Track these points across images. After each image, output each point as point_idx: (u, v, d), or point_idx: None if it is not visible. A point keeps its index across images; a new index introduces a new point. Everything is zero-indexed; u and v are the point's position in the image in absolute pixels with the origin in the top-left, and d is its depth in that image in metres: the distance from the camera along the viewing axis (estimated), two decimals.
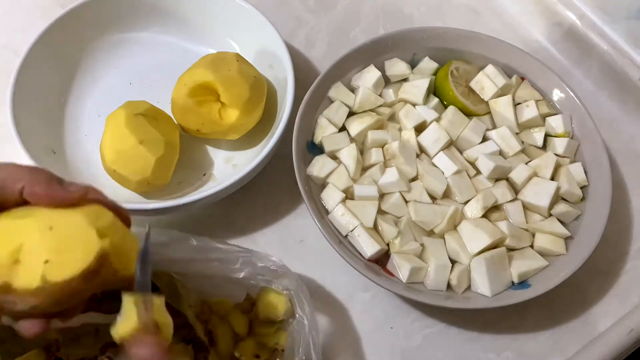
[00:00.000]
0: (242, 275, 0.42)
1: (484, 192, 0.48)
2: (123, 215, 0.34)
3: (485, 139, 0.51)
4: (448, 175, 0.49)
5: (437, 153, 0.50)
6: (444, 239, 0.47)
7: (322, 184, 0.49)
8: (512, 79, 0.54)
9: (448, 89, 0.52)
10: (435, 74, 0.54)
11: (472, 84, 0.54)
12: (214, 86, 0.50)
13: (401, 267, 0.45)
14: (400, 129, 0.52)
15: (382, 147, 0.50)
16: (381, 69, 0.54)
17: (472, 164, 0.50)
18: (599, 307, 0.49)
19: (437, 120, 0.51)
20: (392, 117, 0.53)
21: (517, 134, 0.52)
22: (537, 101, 0.52)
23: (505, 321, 0.48)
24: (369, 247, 0.45)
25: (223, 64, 0.50)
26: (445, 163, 0.49)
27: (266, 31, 0.55)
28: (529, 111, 0.52)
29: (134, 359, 0.30)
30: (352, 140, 0.51)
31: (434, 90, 0.54)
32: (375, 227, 0.47)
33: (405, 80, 0.54)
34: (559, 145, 0.51)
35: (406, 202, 0.48)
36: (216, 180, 0.53)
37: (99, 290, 0.32)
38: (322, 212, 0.47)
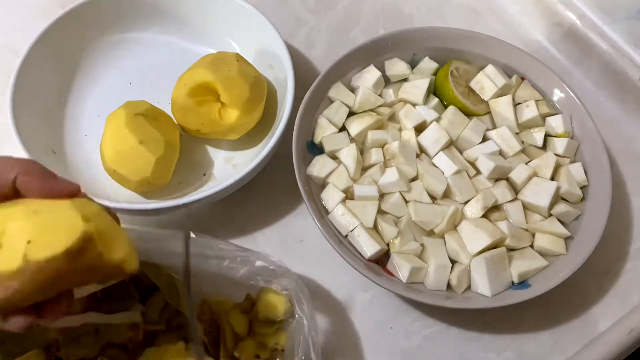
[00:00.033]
0: (241, 275, 0.42)
1: (484, 192, 0.48)
2: (111, 214, 0.34)
3: (485, 139, 0.51)
4: (448, 175, 0.49)
5: (437, 153, 0.50)
6: (444, 239, 0.47)
7: (322, 184, 0.49)
8: (512, 79, 0.54)
9: (448, 89, 0.52)
10: (435, 74, 0.54)
11: (472, 84, 0.54)
12: (214, 86, 0.50)
13: (401, 267, 0.45)
14: (400, 129, 0.52)
15: (382, 147, 0.50)
16: (381, 69, 0.54)
17: (472, 164, 0.50)
18: (599, 307, 0.49)
19: (437, 120, 0.51)
20: (392, 117, 0.53)
21: (517, 134, 0.52)
22: (537, 101, 0.52)
23: (505, 321, 0.48)
24: (369, 247, 0.45)
25: (223, 64, 0.50)
26: (445, 163, 0.49)
27: (266, 31, 0.55)
28: (529, 111, 0.52)
29: None
30: (352, 140, 0.51)
31: (434, 90, 0.54)
32: (375, 227, 0.47)
33: (405, 80, 0.54)
34: (559, 145, 0.51)
35: (406, 202, 0.48)
36: (216, 180, 0.53)
37: (84, 277, 0.31)
38: (322, 212, 0.47)
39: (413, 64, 0.55)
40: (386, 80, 0.54)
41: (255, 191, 0.53)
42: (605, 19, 0.58)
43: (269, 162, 0.50)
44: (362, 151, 0.51)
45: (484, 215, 0.48)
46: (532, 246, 0.47)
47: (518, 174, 0.49)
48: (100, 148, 0.49)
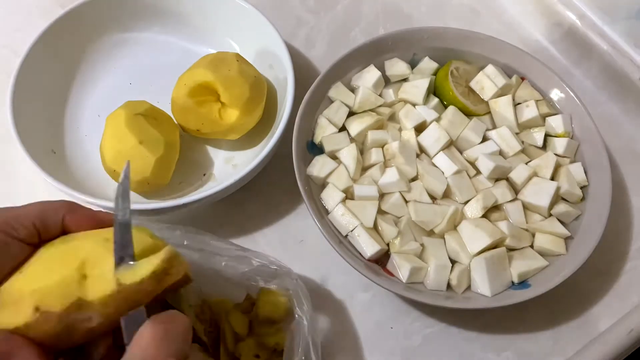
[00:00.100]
0: (241, 275, 0.42)
1: (484, 192, 0.48)
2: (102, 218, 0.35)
3: (485, 139, 0.51)
4: (448, 175, 0.49)
5: (437, 153, 0.50)
6: (444, 239, 0.47)
7: (322, 184, 0.49)
8: (512, 79, 0.54)
9: (448, 89, 0.52)
10: (435, 74, 0.54)
11: (472, 84, 0.54)
12: (214, 86, 0.50)
13: (401, 267, 0.45)
14: (400, 129, 0.52)
15: (382, 147, 0.50)
16: (381, 69, 0.54)
17: (472, 164, 0.50)
18: (599, 307, 0.49)
19: (437, 120, 0.51)
20: (392, 117, 0.53)
21: (517, 134, 0.52)
22: (537, 101, 0.52)
23: (505, 321, 0.48)
24: (369, 247, 0.45)
25: (223, 64, 0.50)
26: (445, 163, 0.49)
27: (266, 31, 0.55)
28: (529, 111, 0.52)
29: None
30: (352, 140, 0.51)
31: (434, 90, 0.54)
32: (375, 227, 0.47)
33: (405, 80, 0.54)
34: (559, 145, 0.51)
35: (406, 202, 0.48)
36: (216, 180, 0.53)
37: (161, 294, 0.32)
38: (322, 212, 0.47)
39: (413, 64, 0.55)
40: (386, 80, 0.54)
41: (255, 191, 0.53)
42: (605, 19, 0.58)
43: (269, 162, 0.50)
44: (362, 151, 0.51)
45: (484, 215, 0.48)
46: (532, 246, 0.47)
47: (518, 174, 0.49)
48: (100, 148, 0.49)
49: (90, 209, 0.35)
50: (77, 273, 0.30)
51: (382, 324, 0.48)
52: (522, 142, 0.51)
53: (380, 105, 0.53)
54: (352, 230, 0.46)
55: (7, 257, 0.31)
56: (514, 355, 0.47)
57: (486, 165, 0.49)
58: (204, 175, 0.53)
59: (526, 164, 0.50)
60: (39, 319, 0.29)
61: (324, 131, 0.50)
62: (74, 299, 0.29)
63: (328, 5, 0.66)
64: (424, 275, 0.45)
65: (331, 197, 0.48)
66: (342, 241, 0.46)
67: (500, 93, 0.53)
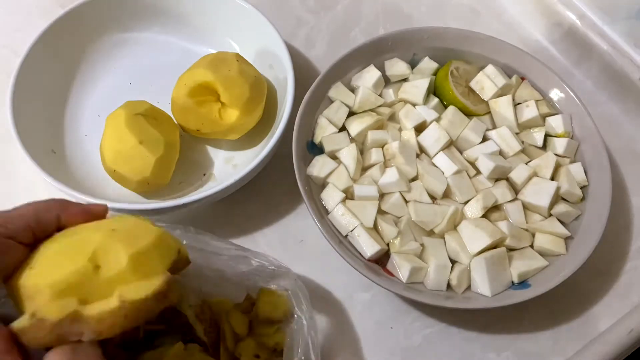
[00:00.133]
0: (241, 275, 0.42)
1: (484, 192, 0.48)
2: (96, 210, 0.35)
3: (485, 139, 0.51)
4: (448, 175, 0.49)
5: (437, 153, 0.50)
6: (444, 239, 0.47)
7: (322, 184, 0.49)
8: (512, 79, 0.54)
9: (448, 89, 0.52)
10: (435, 74, 0.54)
11: (472, 84, 0.54)
12: (214, 86, 0.50)
13: (401, 267, 0.45)
14: (400, 129, 0.52)
15: (382, 147, 0.50)
16: (381, 69, 0.54)
17: (472, 164, 0.50)
18: (599, 307, 0.49)
19: (437, 120, 0.51)
20: (392, 117, 0.53)
21: (517, 134, 0.52)
22: (537, 101, 0.52)
23: (505, 321, 0.48)
24: (369, 247, 0.45)
25: (223, 64, 0.50)
26: (445, 163, 0.49)
27: (266, 31, 0.55)
28: (529, 111, 0.52)
29: None
30: (352, 140, 0.51)
31: (434, 90, 0.54)
32: (375, 227, 0.47)
33: (405, 80, 0.54)
34: (559, 145, 0.51)
35: (406, 202, 0.48)
36: (216, 180, 0.53)
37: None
38: (322, 212, 0.47)
39: (413, 64, 0.55)
40: (386, 80, 0.54)
41: (255, 191, 0.53)
42: (605, 19, 0.58)
43: (269, 162, 0.50)
44: (362, 151, 0.51)
45: (484, 215, 0.48)
46: (532, 246, 0.47)
47: (518, 174, 0.49)
48: (100, 148, 0.49)
49: (81, 203, 0.35)
50: (90, 262, 0.30)
51: (382, 324, 0.48)
52: (522, 142, 0.51)
53: (380, 105, 0.53)
54: (352, 230, 0.46)
55: (7, 258, 0.31)
56: (514, 355, 0.47)
57: (486, 165, 0.49)
58: (204, 175, 0.53)
59: (526, 164, 0.50)
60: (33, 325, 0.29)
61: (324, 131, 0.50)
62: (71, 310, 0.29)
63: (328, 5, 0.66)
64: (424, 275, 0.45)
65: (331, 197, 0.48)
66: (342, 241, 0.46)
67: (500, 93, 0.53)
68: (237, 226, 0.52)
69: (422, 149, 0.51)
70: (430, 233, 0.47)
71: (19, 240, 0.31)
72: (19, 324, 0.29)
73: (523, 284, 0.45)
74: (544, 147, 0.52)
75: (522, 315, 0.48)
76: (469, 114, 0.52)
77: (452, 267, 0.46)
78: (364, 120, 0.51)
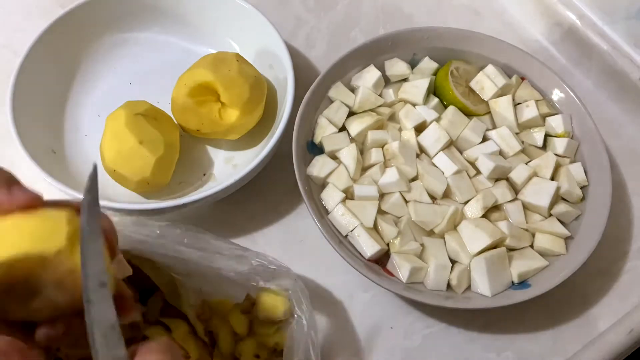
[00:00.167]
0: (241, 275, 0.42)
1: (484, 192, 0.48)
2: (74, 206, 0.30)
3: (485, 139, 0.51)
4: (448, 175, 0.49)
5: (437, 153, 0.50)
6: (444, 239, 0.47)
7: (322, 184, 0.49)
8: (512, 79, 0.54)
9: (448, 89, 0.52)
10: (435, 74, 0.54)
11: (472, 84, 0.54)
12: (214, 86, 0.50)
13: (401, 267, 0.45)
14: (400, 129, 0.52)
15: (382, 147, 0.50)
16: (381, 69, 0.54)
17: (472, 164, 0.50)
18: (599, 307, 0.49)
19: (437, 120, 0.51)
20: (392, 117, 0.53)
21: (517, 134, 0.52)
22: (537, 101, 0.52)
23: (505, 321, 0.48)
24: (369, 247, 0.45)
25: (223, 64, 0.50)
26: (445, 163, 0.49)
27: (266, 31, 0.55)
28: (529, 111, 0.52)
29: None
30: (352, 140, 0.51)
31: (434, 90, 0.54)
32: (375, 227, 0.47)
33: (405, 80, 0.54)
34: (559, 145, 0.51)
35: (406, 202, 0.48)
36: (216, 180, 0.53)
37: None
38: (322, 212, 0.47)
39: (413, 64, 0.55)
40: (386, 80, 0.54)
41: (255, 191, 0.53)
42: (605, 19, 0.58)
43: (269, 162, 0.50)
44: (362, 151, 0.51)
45: (484, 215, 0.48)
46: (532, 246, 0.47)
47: (518, 174, 0.49)
48: (100, 148, 0.49)
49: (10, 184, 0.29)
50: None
51: (382, 324, 0.48)
52: (522, 142, 0.51)
53: (380, 105, 0.53)
54: (352, 230, 0.46)
55: None
56: (514, 355, 0.47)
57: (486, 165, 0.49)
58: (204, 175, 0.53)
59: (526, 164, 0.50)
60: None
61: (324, 131, 0.50)
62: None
63: (328, 5, 0.66)
64: (424, 275, 0.45)
65: (331, 197, 0.48)
66: (342, 241, 0.46)
67: (500, 93, 0.53)
68: (237, 226, 0.52)
69: (422, 149, 0.51)
70: (430, 233, 0.47)
71: None
72: None
73: (523, 284, 0.45)
74: (544, 147, 0.52)
75: (522, 315, 0.48)
76: (469, 114, 0.52)
77: (452, 267, 0.46)
78: (364, 120, 0.51)
